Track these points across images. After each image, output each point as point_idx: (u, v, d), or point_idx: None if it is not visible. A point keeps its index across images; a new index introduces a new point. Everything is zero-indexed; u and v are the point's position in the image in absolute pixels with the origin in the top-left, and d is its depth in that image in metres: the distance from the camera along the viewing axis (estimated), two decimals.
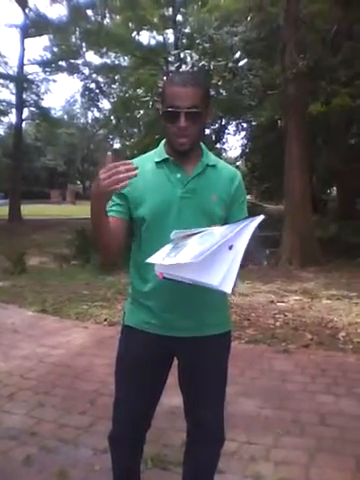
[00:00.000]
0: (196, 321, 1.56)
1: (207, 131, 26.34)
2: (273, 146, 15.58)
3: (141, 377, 1.62)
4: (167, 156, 1.55)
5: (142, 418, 1.68)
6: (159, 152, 1.58)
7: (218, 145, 28.24)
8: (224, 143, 27.48)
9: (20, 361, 3.67)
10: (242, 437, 2.50)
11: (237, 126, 23.56)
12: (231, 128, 25.03)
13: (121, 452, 1.71)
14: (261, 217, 1.26)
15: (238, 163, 30.26)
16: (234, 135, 25.27)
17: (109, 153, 1.35)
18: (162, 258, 1.27)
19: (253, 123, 19.75)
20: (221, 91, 10.88)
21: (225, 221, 1.58)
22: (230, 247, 1.19)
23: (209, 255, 1.14)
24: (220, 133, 26.43)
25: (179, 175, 1.53)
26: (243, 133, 24.32)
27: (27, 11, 21.72)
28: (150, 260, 1.32)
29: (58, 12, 54.95)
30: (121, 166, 1.26)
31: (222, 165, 1.64)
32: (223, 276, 1.17)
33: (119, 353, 1.68)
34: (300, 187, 9.56)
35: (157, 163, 1.56)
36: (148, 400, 1.67)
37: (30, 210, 24.89)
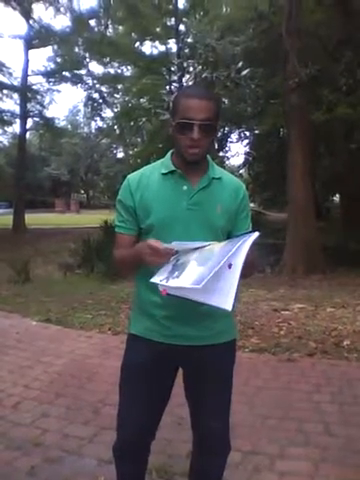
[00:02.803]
0: (201, 330, 1.57)
1: None
2: (276, 154, 15.64)
3: (145, 386, 1.62)
4: (174, 168, 1.56)
5: (146, 428, 1.68)
6: (166, 164, 1.60)
7: (221, 153, 28.37)
8: (227, 151, 27.58)
9: (24, 371, 3.67)
10: (246, 447, 2.48)
11: (240, 135, 23.62)
12: (234, 136, 25.12)
13: (126, 463, 1.71)
14: (256, 234, 1.32)
15: (241, 171, 30.32)
16: (237, 142, 25.30)
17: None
18: (165, 278, 1.31)
19: (256, 132, 19.80)
20: (223, 100, 10.94)
21: (229, 233, 1.61)
22: (229, 266, 1.23)
23: (212, 277, 1.19)
24: (223, 141, 26.53)
25: (185, 187, 1.55)
26: (246, 141, 24.39)
27: (31, 22, 21.94)
28: (154, 280, 1.37)
29: (62, 23, 55.48)
30: (166, 255, 1.37)
31: (227, 177, 1.65)
32: (225, 295, 1.23)
33: (124, 361, 1.68)
34: (303, 195, 9.56)
35: (164, 175, 1.58)
36: (153, 410, 1.66)
37: (34, 219, 24.97)
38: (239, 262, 1.24)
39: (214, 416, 1.65)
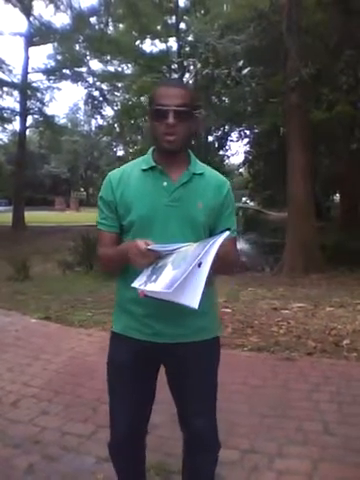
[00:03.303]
0: (181, 327, 1.55)
1: (210, 138, 26.48)
2: (276, 153, 15.62)
3: (129, 384, 1.62)
4: (154, 164, 1.56)
5: (136, 425, 1.69)
6: (147, 160, 1.59)
7: (221, 152, 28.36)
8: (227, 150, 27.59)
9: (23, 368, 3.66)
10: (245, 445, 2.49)
11: (240, 133, 23.62)
12: (234, 135, 25.13)
13: (121, 459, 1.72)
14: (227, 233, 1.35)
15: (241, 170, 30.37)
16: (237, 141, 25.31)
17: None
18: (144, 282, 1.37)
19: (256, 130, 19.80)
20: (224, 98, 10.94)
21: (211, 230, 1.61)
22: (199, 265, 1.27)
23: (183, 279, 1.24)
24: (223, 140, 26.53)
25: (165, 183, 1.54)
26: (246, 140, 24.39)
27: (31, 19, 21.92)
28: (134, 285, 1.40)
29: (62, 20, 55.35)
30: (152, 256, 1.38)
31: (210, 173, 1.64)
32: (192, 294, 1.27)
33: (108, 359, 1.69)
34: (303, 194, 9.57)
35: (144, 171, 1.57)
36: (139, 407, 1.67)
37: (34, 217, 24.97)
38: (208, 261, 1.27)
39: (199, 414, 1.64)
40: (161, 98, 1.48)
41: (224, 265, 1.45)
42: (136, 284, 1.40)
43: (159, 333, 1.55)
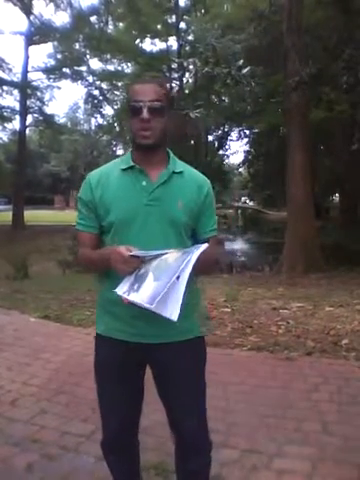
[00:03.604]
0: (165, 327, 1.52)
1: (210, 138, 26.49)
2: (275, 153, 15.64)
3: (116, 385, 1.63)
4: (133, 164, 1.56)
5: (126, 424, 1.69)
6: (126, 159, 1.59)
7: (221, 151, 28.37)
8: (227, 149, 27.60)
9: (22, 367, 3.67)
10: (244, 445, 2.48)
11: (239, 133, 23.65)
12: (234, 135, 25.15)
13: (114, 458, 1.73)
14: (205, 245, 1.39)
15: (241, 169, 30.38)
16: (236, 141, 25.33)
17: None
18: (127, 291, 1.40)
19: (255, 130, 19.81)
20: (223, 98, 10.93)
21: (193, 230, 1.61)
22: (177, 277, 1.30)
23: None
24: (223, 139, 26.53)
25: (144, 183, 1.54)
26: (245, 140, 24.42)
27: (31, 18, 21.90)
28: (117, 291, 1.42)
29: (62, 19, 55.32)
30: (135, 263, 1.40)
31: (190, 172, 1.63)
32: (172, 307, 1.31)
33: (94, 361, 1.69)
34: (302, 194, 9.57)
35: (123, 171, 1.57)
36: (128, 406, 1.67)
37: (33, 216, 24.96)
38: (186, 274, 1.31)
39: (187, 415, 1.63)
40: (136, 94, 1.51)
41: (205, 268, 1.47)
42: (119, 291, 1.41)
43: (143, 333, 1.55)
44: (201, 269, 1.39)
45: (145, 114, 1.47)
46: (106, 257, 1.46)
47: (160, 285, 1.29)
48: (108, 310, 1.61)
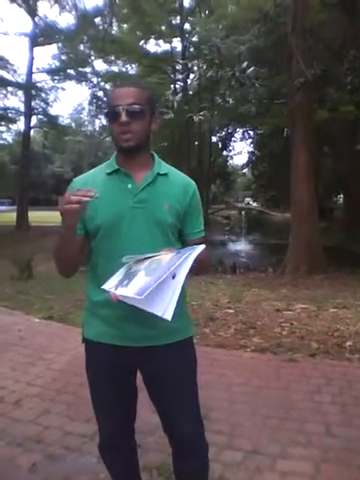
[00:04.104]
0: (153, 329, 1.53)
1: (214, 139, 26.50)
2: (279, 154, 15.61)
3: (107, 389, 1.63)
4: (118, 167, 1.56)
5: (122, 424, 1.69)
6: (110, 164, 1.60)
7: (225, 152, 28.36)
8: (230, 150, 27.60)
9: (26, 368, 3.68)
10: (248, 447, 2.48)
11: (243, 134, 23.64)
12: (238, 136, 25.14)
13: (111, 459, 1.73)
14: (202, 246, 1.36)
15: (244, 171, 30.36)
16: (240, 142, 25.31)
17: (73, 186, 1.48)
18: (115, 286, 1.36)
19: (259, 131, 19.80)
20: (228, 99, 10.93)
21: (179, 232, 1.61)
22: (173, 276, 1.28)
23: (155, 287, 1.24)
24: (226, 140, 26.52)
25: (130, 185, 1.54)
26: (249, 141, 24.40)
27: (36, 20, 21.97)
28: (105, 287, 1.40)
29: (67, 20, 55.52)
30: (79, 192, 1.37)
31: (175, 174, 1.63)
32: (166, 305, 1.27)
33: (85, 365, 1.68)
34: (306, 195, 9.56)
35: (108, 174, 1.57)
36: (121, 409, 1.67)
37: (37, 217, 25.00)
38: (183, 273, 1.28)
39: (181, 418, 1.61)
40: (115, 99, 1.51)
41: (198, 270, 1.45)
42: (106, 286, 1.40)
43: (132, 336, 1.54)
44: (195, 270, 1.37)
45: (123, 117, 1.48)
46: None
47: (151, 280, 1.26)
48: (97, 313, 1.59)
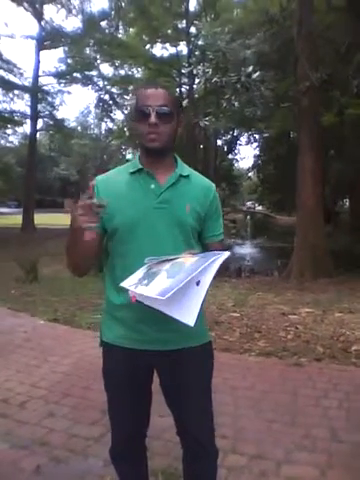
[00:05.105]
0: (174, 333, 1.51)
1: (219, 142, 26.51)
2: (285, 157, 15.59)
3: (125, 393, 1.62)
4: (141, 167, 1.56)
5: (135, 431, 1.69)
6: (134, 163, 1.60)
7: (230, 156, 28.39)
8: (236, 154, 27.62)
9: (31, 370, 3.68)
10: (252, 451, 2.47)
11: (249, 137, 23.65)
12: (243, 139, 25.16)
13: (122, 464, 1.73)
14: (227, 254, 1.32)
15: (250, 174, 30.34)
16: (246, 145, 25.32)
17: (93, 183, 1.46)
18: (135, 284, 1.33)
19: (265, 135, 19.80)
20: (233, 103, 10.93)
21: (199, 234, 1.61)
22: (197, 283, 1.25)
23: (179, 291, 1.20)
24: (232, 144, 26.55)
25: (153, 186, 1.54)
26: (255, 144, 24.41)
27: (43, 23, 22.09)
28: (123, 284, 1.37)
29: (73, 24, 55.78)
30: (94, 206, 1.33)
31: (196, 176, 1.64)
32: (189, 311, 1.25)
33: (102, 369, 1.67)
34: (312, 199, 9.53)
35: (131, 174, 1.57)
36: (137, 413, 1.66)
37: (43, 219, 25.10)
38: (207, 280, 1.26)
39: (197, 421, 1.62)
40: (144, 99, 1.51)
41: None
42: (125, 284, 1.37)
43: (152, 340, 1.53)
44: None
45: (153, 118, 1.48)
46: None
47: (174, 282, 1.22)
48: (116, 316, 1.58)
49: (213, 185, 1.67)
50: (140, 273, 1.37)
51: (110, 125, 29.04)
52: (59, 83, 24.52)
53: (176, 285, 1.20)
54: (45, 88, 24.04)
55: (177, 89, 20.41)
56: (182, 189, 1.57)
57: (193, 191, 1.59)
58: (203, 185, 1.63)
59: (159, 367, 1.61)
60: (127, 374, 1.59)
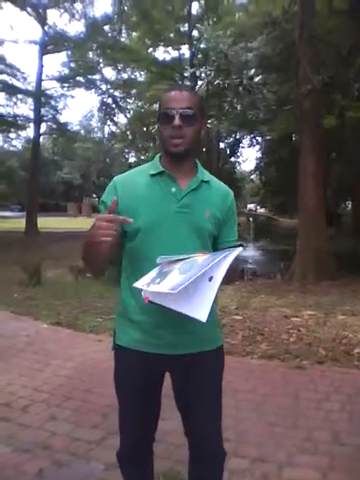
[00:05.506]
0: (189, 337, 1.53)
1: (222, 145, 26.52)
2: (287, 160, 15.59)
3: (138, 397, 1.61)
4: (162, 169, 1.55)
5: (144, 435, 1.69)
6: (155, 165, 1.59)
7: (233, 158, 28.38)
8: (239, 157, 27.62)
9: (34, 373, 3.69)
10: (254, 454, 2.48)
11: (251, 140, 23.65)
12: (246, 142, 25.17)
13: (130, 467, 1.73)
14: (240, 249, 1.33)
15: (252, 177, 30.35)
16: (248, 148, 25.32)
17: (115, 198, 1.41)
18: (147, 283, 1.33)
19: (267, 137, 19.80)
20: (235, 106, 10.95)
21: (215, 239, 1.61)
22: (210, 278, 1.24)
23: (191, 286, 1.19)
24: (234, 147, 26.55)
25: (174, 189, 1.53)
26: (257, 147, 24.41)
27: (46, 28, 22.19)
28: (136, 285, 1.37)
29: (76, 28, 56.05)
30: (114, 222, 1.33)
31: (216, 182, 1.64)
32: (201, 306, 1.23)
33: (114, 373, 1.67)
34: (314, 201, 9.52)
35: (152, 176, 1.56)
36: (148, 417, 1.67)
37: (46, 223, 25.14)
38: (220, 276, 1.25)
39: (205, 425, 1.63)
40: (168, 102, 1.51)
41: (229, 276, 1.41)
42: (138, 284, 1.37)
43: (167, 343, 1.53)
44: (226, 277, 1.32)
45: (177, 121, 1.47)
46: (87, 235, 1.39)
47: (186, 277, 1.21)
48: (132, 320, 1.57)
49: (231, 191, 1.67)
50: (153, 273, 1.37)
51: (113, 128, 29.03)
52: (62, 87, 24.59)
53: (188, 279, 1.19)
54: (48, 92, 24.11)
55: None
56: (202, 194, 1.57)
57: (213, 197, 1.59)
58: (223, 191, 1.64)
59: (173, 371, 1.62)
60: (140, 378, 1.58)
